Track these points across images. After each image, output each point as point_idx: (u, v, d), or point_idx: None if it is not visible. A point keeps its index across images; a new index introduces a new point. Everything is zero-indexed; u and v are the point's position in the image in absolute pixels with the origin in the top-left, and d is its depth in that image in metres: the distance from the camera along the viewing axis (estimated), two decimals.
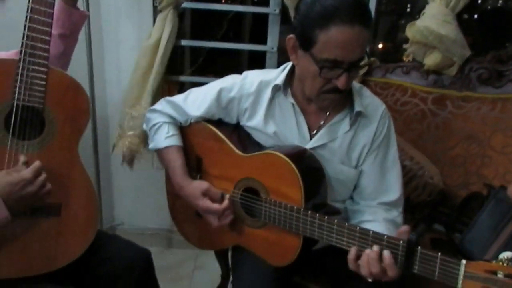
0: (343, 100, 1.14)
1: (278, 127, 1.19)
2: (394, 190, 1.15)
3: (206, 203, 1.16)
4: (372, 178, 1.15)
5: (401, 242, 0.88)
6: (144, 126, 1.38)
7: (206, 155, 1.28)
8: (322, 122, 1.17)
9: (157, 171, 1.95)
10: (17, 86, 0.94)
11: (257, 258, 1.16)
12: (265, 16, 1.88)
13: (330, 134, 1.15)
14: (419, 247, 0.85)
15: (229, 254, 1.45)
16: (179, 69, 1.98)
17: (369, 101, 1.17)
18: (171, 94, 1.85)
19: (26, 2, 1.60)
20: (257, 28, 2.65)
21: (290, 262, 1.09)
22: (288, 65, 1.20)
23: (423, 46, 1.55)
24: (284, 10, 1.79)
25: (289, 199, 1.06)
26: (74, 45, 1.23)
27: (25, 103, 0.96)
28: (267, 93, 1.19)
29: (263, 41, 1.92)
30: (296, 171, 1.04)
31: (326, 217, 0.98)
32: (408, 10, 2.48)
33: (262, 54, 1.95)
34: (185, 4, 1.80)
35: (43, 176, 0.95)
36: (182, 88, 2.07)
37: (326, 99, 1.09)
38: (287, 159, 1.06)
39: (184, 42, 1.89)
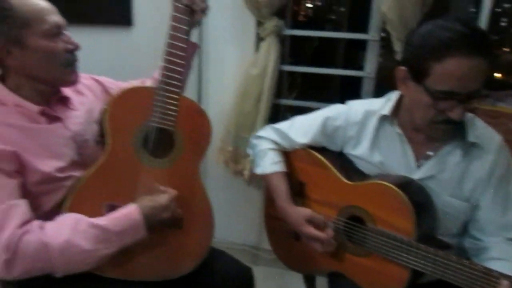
0: (453, 130, 1.12)
1: (384, 156, 1.20)
2: None
3: (310, 230, 1.19)
4: (494, 214, 1.10)
5: None
6: (250, 151, 1.46)
7: (309, 181, 1.32)
8: (430, 153, 1.15)
9: (248, 187, 2.04)
10: (155, 110, 1.07)
11: (357, 287, 1.16)
12: (359, 40, 1.90)
13: (440, 165, 1.13)
14: None
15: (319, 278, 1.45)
16: (277, 93, 2.05)
17: (482, 131, 1.13)
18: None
19: (151, 28, 1.79)
20: (351, 50, 2.68)
21: None
22: (393, 94, 1.21)
23: None
24: (384, 36, 1.79)
25: (398, 230, 1.06)
26: (188, 73, 1.35)
27: (160, 125, 1.08)
28: (373, 123, 1.21)
29: (355, 63, 1.93)
30: (407, 201, 1.04)
31: (441, 251, 0.96)
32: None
33: (355, 79, 1.96)
34: (286, 31, 1.88)
35: (174, 203, 1.07)
36: (277, 110, 2.14)
37: (438, 129, 1.08)
38: (397, 189, 1.06)
39: (285, 68, 1.96)
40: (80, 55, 1.10)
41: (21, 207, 0.93)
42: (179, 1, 1.08)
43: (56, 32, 1.01)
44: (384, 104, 1.20)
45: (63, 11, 1.05)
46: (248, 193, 2.07)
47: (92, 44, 1.75)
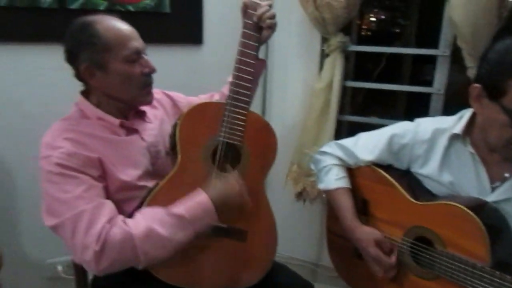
0: None
1: (455, 176, 1.15)
2: None
3: (378, 253, 1.18)
4: None
5: None
6: (313, 167, 1.46)
7: (374, 198, 1.30)
8: (506, 174, 1.09)
9: (309, 204, 2.03)
10: (223, 125, 1.11)
11: None
12: (427, 56, 1.84)
13: None
14: None
15: None
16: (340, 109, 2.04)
17: None
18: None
19: (218, 48, 1.87)
20: (415, 64, 2.60)
21: None
22: (466, 112, 1.16)
23: None
24: (454, 50, 1.73)
25: (470, 254, 1.01)
26: (256, 89, 1.39)
27: (228, 140, 1.12)
28: (443, 141, 1.17)
29: (421, 77, 1.86)
30: (481, 225, 0.99)
31: None
32: None
33: (423, 95, 1.90)
34: (351, 47, 1.87)
35: (244, 187, 1.10)
36: (340, 126, 2.13)
37: None
38: (470, 212, 1.02)
39: (349, 83, 1.95)
40: (157, 71, 1.17)
41: (109, 204, 1.02)
42: (249, 18, 1.13)
43: (135, 57, 1.08)
44: (456, 122, 1.16)
45: (142, 32, 1.13)
46: (309, 208, 2.06)
47: (166, 61, 1.86)
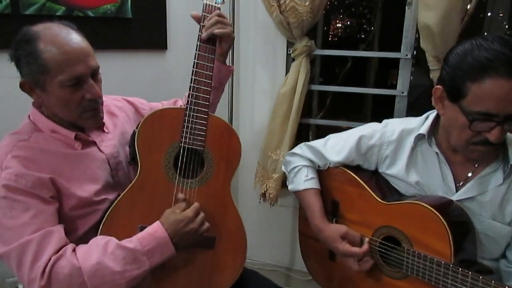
0: (494, 151, 1.08)
1: (421, 176, 1.17)
2: None
3: (345, 246, 1.18)
4: None
5: None
6: (283, 168, 1.46)
7: (343, 200, 1.30)
8: (469, 174, 1.12)
9: (281, 208, 2.03)
10: (184, 131, 1.09)
11: None
12: (393, 61, 1.88)
13: (480, 187, 1.09)
14: None
15: None
16: (307, 112, 2.06)
17: None
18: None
19: (183, 54, 1.85)
20: (382, 69, 2.66)
21: None
22: (432, 113, 1.19)
23: None
24: (417, 54, 1.77)
25: (435, 253, 1.02)
26: (221, 95, 1.37)
27: (189, 145, 1.09)
28: (409, 142, 1.19)
29: (388, 82, 1.90)
30: (444, 223, 1.01)
31: (480, 276, 0.92)
32: None
33: (388, 98, 1.93)
34: (317, 52, 1.89)
35: (202, 215, 1.06)
36: (308, 130, 2.14)
37: (475, 150, 1.05)
38: (434, 210, 1.03)
39: (314, 87, 1.96)
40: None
41: (58, 233, 0.95)
42: (201, 29, 1.12)
43: (73, 83, 0.99)
44: (422, 123, 1.18)
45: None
46: (281, 213, 2.06)
47: (130, 67, 1.84)
